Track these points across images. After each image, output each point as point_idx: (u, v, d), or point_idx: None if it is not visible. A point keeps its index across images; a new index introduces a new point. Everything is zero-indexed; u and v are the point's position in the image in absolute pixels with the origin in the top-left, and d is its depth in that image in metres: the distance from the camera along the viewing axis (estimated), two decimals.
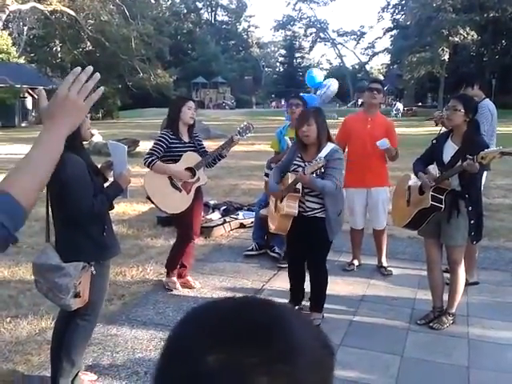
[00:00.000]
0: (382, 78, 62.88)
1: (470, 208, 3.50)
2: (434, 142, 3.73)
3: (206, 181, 4.33)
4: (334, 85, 7.53)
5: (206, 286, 4.54)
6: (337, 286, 4.48)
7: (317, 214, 3.60)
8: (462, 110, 3.44)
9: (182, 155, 4.15)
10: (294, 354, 0.56)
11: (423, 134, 4.49)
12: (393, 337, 3.58)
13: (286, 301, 3.98)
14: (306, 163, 3.57)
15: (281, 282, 4.53)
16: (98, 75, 1.22)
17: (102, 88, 1.27)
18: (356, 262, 4.98)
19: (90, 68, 1.21)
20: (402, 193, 3.89)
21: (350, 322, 3.82)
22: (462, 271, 3.68)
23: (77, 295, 2.60)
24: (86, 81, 1.17)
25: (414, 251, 5.46)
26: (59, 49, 37.21)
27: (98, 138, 18.30)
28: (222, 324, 0.58)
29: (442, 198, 3.47)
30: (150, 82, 37.87)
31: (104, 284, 2.89)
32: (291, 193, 3.54)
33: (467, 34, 36.90)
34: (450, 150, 3.54)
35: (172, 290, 4.35)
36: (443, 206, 3.47)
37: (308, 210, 3.61)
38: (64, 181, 2.54)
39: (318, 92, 7.50)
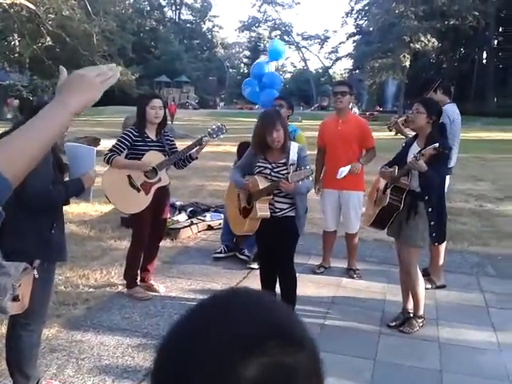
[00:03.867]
0: None
1: (430, 209, 3.52)
2: (403, 145, 3.79)
3: (169, 182, 4.16)
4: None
5: (173, 289, 4.41)
6: (307, 288, 4.44)
7: (287, 214, 3.55)
8: (424, 112, 3.50)
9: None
10: (315, 350, 0.59)
11: (384, 139, 4.55)
12: (365, 340, 3.56)
13: None
14: (273, 164, 3.52)
15: (251, 285, 4.44)
16: (119, 69, 1.19)
17: (119, 68, 1.21)
18: (326, 265, 4.96)
19: (118, 69, 1.19)
20: (372, 194, 3.96)
21: (322, 325, 3.78)
22: (417, 272, 3.67)
23: (15, 298, 2.42)
24: None
25: (381, 254, 5.48)
26: (18, 43, 36.03)
27: None
28: (246, 326, 0.55)
29: (402, 197, 3.52)
30: None
31: (47, 290, 2.72)
32: (263, 197, 3.47)
33: (428, 41, 37.84)
34: (413, 151, 3.58)
35: (143, 299, 4.13)
36: (401, 205, 3.51)
37: (277, 210, 3.55)
38: None
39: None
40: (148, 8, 66.22)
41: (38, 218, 2.57)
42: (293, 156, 3.44)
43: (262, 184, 3.46)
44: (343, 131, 4.59)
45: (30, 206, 2.52)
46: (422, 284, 3.71)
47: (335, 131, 4.63)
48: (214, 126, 4.19)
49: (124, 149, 4.06)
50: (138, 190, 4.00)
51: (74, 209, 6.99)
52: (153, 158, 4.01)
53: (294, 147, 3.50)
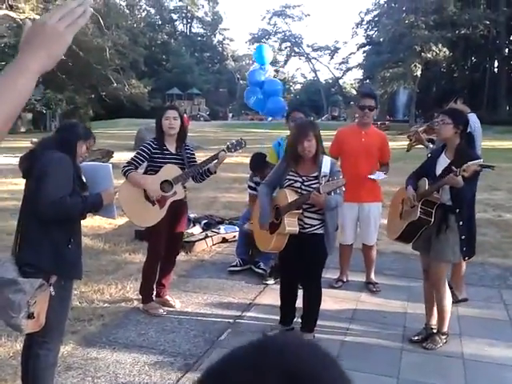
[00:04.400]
0: (354, 92, 63.96)
1: (461, 223, 3.42)
2: (430, 155, 3.68)
3: (184, 195, 4.10)
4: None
5: (189, 304, 4.34)
6: (325, 303, 4.30)
7: (316, 231, 3.47)
8: (451, 123, 3.40)
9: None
10: None
11: (396, 148, 4.50)
12: (387, 357, 3.46)
13: (275, 318, 3.84)
14: (303, 178, 3.44)
15: (268, 299, 4.37)
16: (90, 1, 0.96)
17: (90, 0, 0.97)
18: (344, 279, 4.86)
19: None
20: (396, 206, 3.82)
21: (342, 342, 3.68)
22: (446, 287, 3.58)
23: (30, 316, 2.37)
24: None
25: (400, 266, 5.38)
26: None
27: None
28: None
29: (432, 211, 3.40)
30: (123, 93, 37.57)
31: (64, 308, 2.67)
32: (292, 211, 3.39)
33: (439, 50, 37.78)
34: (442, 163, 3.48)
35: (158, 315, 4.06)
36: (432, 220, 3.40)
37: (307, 226, 3.46)
38: (44, 172, 2.50)
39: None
40: (160, 22, 66.97)
41: (54, 230, 2.54)
42: (325, 169, 3.35)
43: (292, 197, 3.38)
44: (367, 143, 4.53)
45: (45, 215, 2.49)
46: (449, 300, 3.61)
47: (359, 143, 4.55)
48: (233, 141, 4.17)
49: (142, 161, 4.04)
50: (153, 204, 3.96)
51: (88, 222, 6.95)
52: (170, 171, 3.97)
53: (326, 161, 3.42)
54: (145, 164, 4.09)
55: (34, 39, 0.90)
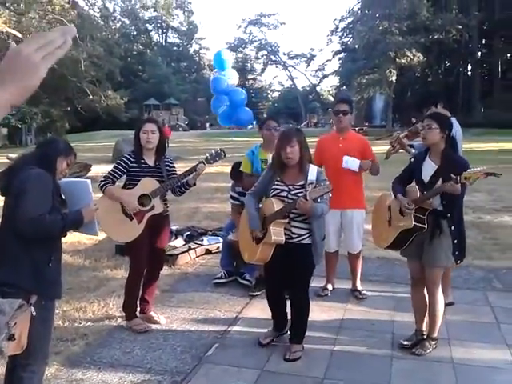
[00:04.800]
0: (331, 99, 64.50)
1: (453, 227, 3.42)
2: (412, 160, 3.66)
3: (162, 209, 3.99)
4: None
5: (174, 319, 4.25)
6: (313, 313, 4.25)
7: (303, 241, 3.42)
8: (438, 128, 3.39)
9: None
10: None
11: (375, 153, 4.51)
12: (377, 366, 3.43)
13: (263, 330, 3.78)
14: (290, 187, 3.40)
15: (254, 312, 4.31)
16: (74, 30, 0.91)
17: (74, 30, 0.91)
18: (330, 287, 4.83)
19: (73, 29, 0.91)
20: (382, 213, 3.77)
21: (331, 352, 3.63)
22: (440, 293, 3.59)
23: (11, 338, 2.29)
24: None
25: (385, 272, 5.38)
26: None
27: None
28: None
29: (424, 217, 3.38)
30: (100, 104, 37.26)
31: (46, 329, 2.60)
32: (278, 219, 3.35)
33: (413, 55, 38.38)
34: (429, 168, 3.46)
35: (143, 332, 3.96)
36: (426, 226, 3.38)
37: (294, 236, 3.41)
38: (22, 189, 2.43)
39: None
40: (135, 32, 66.73)
41: (34, 249, 2.47)
42: (311, 177, 3.32)
43: (278, 206, 3.33)
44: (345, 147, 4.51)
45: (24, 232, 2.43)
46: (442, 305, 3.60)
47: (336, 148, 4.54)
48: (212, 152, 4.09)
49: (120, 175, 3.95)
50: (131, 218, 3.86)
51: (67, 238, 6.69)
52: (147, 185, 3.87)
53: (312, 169, 3.39)
54: (123, 178, 4.01)
55: (7, 69, 0.84)
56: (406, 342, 3.66)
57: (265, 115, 78.60)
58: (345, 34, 56.22)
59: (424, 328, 3.69)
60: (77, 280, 5.30)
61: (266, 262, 3.50)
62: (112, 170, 3.96)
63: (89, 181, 2.83)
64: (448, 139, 3.43)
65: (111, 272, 5.54)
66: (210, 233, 6.76)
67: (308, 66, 71.22)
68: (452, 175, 3.13)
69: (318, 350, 3.65)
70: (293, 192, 3.36)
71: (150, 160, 3.99)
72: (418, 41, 38.07)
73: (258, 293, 4.67)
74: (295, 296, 3.61)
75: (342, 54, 57.62)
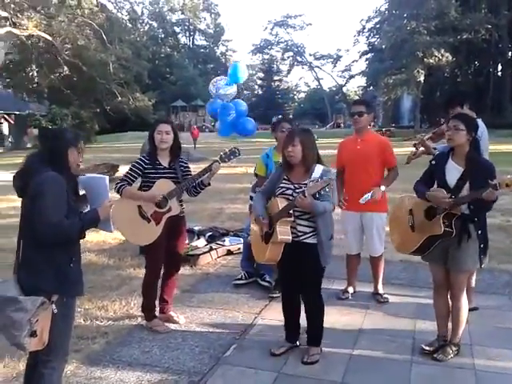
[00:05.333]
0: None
1: (480, 231, 3.35)
2: (433, 162, 3.57)
3: (180, 211, 4.00)
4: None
5: (194, 319, 4.27)
6: (332, 316, 4.25)
7: (308, 240, 3.41)
8: (464, 130, 3.31)
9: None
10: None
11: (401, 154, 4.43)
12: (397, 370, 3.37)
13: (281, 333, 3.76)
14: (295, 185, 3.39)
15: (273, 314, 4.30)
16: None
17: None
18: (351, 290, 4.78)
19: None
20: (402, 217, 3.68)
21: (350, 356, 3.59)
22: (465, 299, 3.52)
23: (33, 334, 2.34)
24: None
25: (408, 276, 5.29)
26: (36, 73, 36.86)
27: None
28: None
29: (452, 222, 3.30)
30: (128, 106, 37.78)
31: (67, 326, 2.62)
32: (283, 218, 3.35)
33: (442, 55, 37.78)
34: (453, 170, 3.37)
35: (162, 333, 3.99)
36: (454, 231, 3.30)
37: (300, 234, 3.41)
38: (38, 193, 2.43)
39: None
40: (162, 35, 67.55)
41: (56, 253, 2.50)
42: (315, 175, 3.30)
43: (282, 205, 3.34)
44: (363, 150, 4.45)
45: (45, 240, 2.46)
46: (466, 310, 3.53)
47: (354, 151, 4.49)
48: (226, 150, 4.08)
49: (135, 177, 3.96)
50: (149, 221, 3.87)
51: (93, 237, 6.95)
52: (163, 186, 3.87)
53: (319, 168, 3.37)
54: (138, 180, 4.01)
55: None
56: (427, 348, 3.59)
57: (291, 116, 78.74)
58: (372, 35, 55.77)
59: (446, 333, 3.62)
60: (100, 279, 5.39)
61: (276, 261, 3.49)
62: (127, 173, 3.97)
63: (107, 177, 2.80)
64: (472, 141, 3.35)
65: (134, 271, 5.61)
66: (232, 233, 6.77)
67: (334, 66, 71.10)
68: (490, 181, 2.99)
69: (336, 354, 3.62)
70: (298, 190, 3.35)
71: (164, 161, 3.99)
72: (447, 41, 37.45)
73: (278, 294, 4.64)
74: (307, 298, 3.58)
75: (369, 55, 57.17)
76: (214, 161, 3.97)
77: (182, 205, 4.10)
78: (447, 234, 3.30)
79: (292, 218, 3.36)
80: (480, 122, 4.36)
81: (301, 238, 3.41)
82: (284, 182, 3.47)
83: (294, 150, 3.35)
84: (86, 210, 2.69)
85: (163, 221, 3.88)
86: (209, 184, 4.05)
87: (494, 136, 29.92)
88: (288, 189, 3.42)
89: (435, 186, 3.40)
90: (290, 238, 3.36)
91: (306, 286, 3.54)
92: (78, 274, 2.64)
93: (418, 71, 38.26)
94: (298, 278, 3.49)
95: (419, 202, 3.50)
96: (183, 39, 73.93)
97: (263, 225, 3.43)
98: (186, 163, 4.14)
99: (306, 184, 3.33)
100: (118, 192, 3.90)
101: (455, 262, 3.39)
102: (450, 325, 3.61)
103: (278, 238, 3.33)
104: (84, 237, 2.63)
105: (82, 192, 2.76)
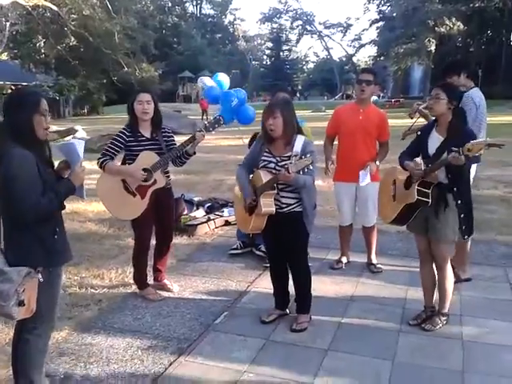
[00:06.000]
0: None
1: (459, 201, 3.31)
2: (419, 133, 3.54)
3: (165, 183, 3.92)
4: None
5: (187, 287, 4.33)
6: (324, 285, 4.30)
7: (294, 209, 3.42)
8: (445, 98, 3.27)
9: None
10: None
11: (393, 127, 4.38)
12: (383, 340, 3.40)
13: (272, 302, 3.80)
14: (277, 158, 3.38)
15: (266, 283, 4.31)
16: None
17: None
18: (344, 260, 4.80)
19: None
20: (387, 187, 3.69)
21: (339, 324, 3.63)
22: (449, 268, 3.51)
23: (20, 303, 2.36)
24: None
25: (404, 246, 5.29)
26: (43, 44, 36.65)
27: (81, 133, 18.03)
28: None
29: (429, 191, 3.28)
30: (134, 77, 37.45)
31: (53, 293, 2.64)
32: (267, 191, 3.35)
33: (453, 24, 36.91)
34: (435, 141, 3.35)
35: (155, 301, 4.05)
36: (430, 201, 3.29)
37: (284, 206, 3.41)
38: (9, 177, 2.36)
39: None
40: (169, 4, 66.46)
41: (38, 228, 2.48)
42: (297, 148, 3.30)
43: (266, 178, 3.34)
44: (365, 122, 4.39)
45: (26, 221, 2.43)
46: (452, 280, 3.53)
47: (356, 121, 4.41)
48: (211, 118, 4.03)
49: (117, 151, 3.88)
50: (134, 195, 3.83)
51: (94, 207, 7.02)
52: (147, 158, 3.80)
53: (300, 140, 3.36)
54: (122, 153, 3.94)
55: None
56: (414, 322, 3.61)
57: (300, 87, 77.79)
58: (382, 2, 54.47)
59: (433, 304, 3.63)
60: (99, 248, 5.46)
61: (260, 230, 3.51)
62: (108, 146, 3.88)
63: (76, 141, 2.68)
64: (456, 111, 3.30)
65: (132, 241, 5.57)
66: (231, 204, 6.78)
67: (344, 35, 69.91)
68: (454, 148, 3.01)
69: (325, 322, 3.65)
70: (280, 164, 3.34)
71: (146, 132, 3.91)
72: (459, 9, 36.55)
73: None
74: (294, 265, 3.61)
75: (380, 23, 55.96)
76: (198, 130, 3.91)
77: (168, 176, 4.06)
78: (422, 202, 3.29)
79: (275, 191, 3.36)
80: (477, 90, 4.29)
81: (285, 209, 3.42)
82: (266, 155, 3.44)
83: (275, 123, 3.31)
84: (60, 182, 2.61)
85: (148, 194, 3.83)
86: (194, 153, 4.00)
87: (507, 107, 29.52)
88: (270, 162, 3.40)
89: (420, 157, 3.36)
90: (274, 209, 3.38)
91: (292, 254, 3.55)
92: (63, 243, 2.64)
93: (429, 40, 37.49)
94: (284, 247, 3.51)
95: (402, 173, 3.49)
96: (190, 8, 72.78)
97: (249, 203, 3.43)
98: (169, 133, 4.06)
99: (288, 157, 3.32)
100: (100, 167, 3.84)
101: (434, 231, 3.38)
102: (436, 295, 3.63)
103: (261, 211, 3.35)
104: (64, 207, 2.60)
105: (62, 158, 2.73)
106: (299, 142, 3.34)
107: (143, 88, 4.43)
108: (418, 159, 3.30)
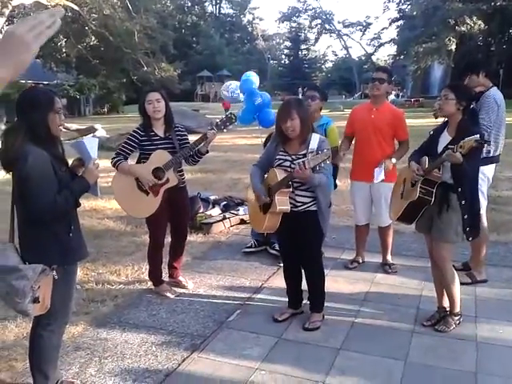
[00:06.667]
0: None
1: (463, 202, 3.29)
2: (432, 133, 3.54)
3: (178, 181, 3.92)
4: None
5: (202, 285, 4.37)
6: (338, 284, 4.30)
7: (309, 208, 3.43)
8: (454, 99, 3.26)
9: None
10: None
11: (430, 125, 4.28)
12: (396, 340, 3.40)
13: (285, 300, 3.82)
14: (293, 156, 3.39)
15: (280, 281, 4.32)
16: (62, 11, 1.06)
17: (62, 11, 1.08)
18: (359, 260, 4.79)
19: (61, 10, 1.06)
20: (398, 186, 3.73)
21: (352, 323, 3.63)
22: (451, 268, 3.48)
23: (35, 300, 2.40)
24: None
25: (419, 247, 5.24)
26: (64, 44, 37.03)
27: (101, 132, 18.24)
28: None
29: (432, 190, 3.29)
30: (154, 76, 37.69)
31: (68, 291, 2.68)
32: (282, 189, 3.36)
33: (474, 23, 36.35)
34: (444, 140, 3.35)
35: (170, 297, 4.11)
36: (432, 199, 3.28)
37: (299, 204, 3.42)
38: (24, 176, 2.38)
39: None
40: (189, 4, 66.69)
41: (52, 226, 2.52)
42: (312, 146, 3.31)
43: (281, 176, 3.35)
44: (376, 120, 4.38)
45: (42, 220, 2.47)
46: (456, 280, 3.50)
47: (368, 119, 4.41)
48: (223, 117, 4.06)
49: (131, 150, 3.92)
50: (147, 193, 3.87)
51: (112, 205, 7.09)
52: (160, 157, 3.83)
53: (315, 138, 3.37)
54: (136, 153, 3.98)
55: (3, 48, 0.95)
56: (427, 323, 3.59)
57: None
58: (402, 1, 53.90)
59: (446, 304, 3.61)
60: (116, 244, 5.54)
61: (274, 229, 3.52)
62: (122, 146, 3.93)
63: (86, 140, 2.73)
64: (467, 111, 3.29)
65: (148, 238, 5.70)
66: (247, 203, 6.80)
67: (363, 34, 69.12)
68: (450, 146, 3.06)
69: (338, 321, 3.66)
70: (296, 162, 3.34)
71: (159, 131, 3.93)
72: (480, 8, 35.94)
73: None
74: (307, 264, 3.62)
75: (400, 22, 55.36)
76: (210, 128, 3.92)
77: (182, 175, 4.08)
78: (425, 201, 3.30)
79: (290, 189, 3.37)
80: (495, 90, 4.24)
81: (299, 208, 3.43)
82: (281, 153, 3.45)
83: (293, 125, 3.31)
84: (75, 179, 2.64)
85: (161, 192, 3.85)
86: (207, 152, 4.02)
87: None
88: (285, 160, 3.42)
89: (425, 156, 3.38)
90: (289, 207, 3.38)
91: (306, 254, 3.56)
92: (78, 241, 2.66)
93: (449, 39, 36.96)
94: (298, 246, 3.52)
95: (411, 171, 3.50)
96: (209, 7, 72.89)
97: (263, 200, 3.44)
98: (183, 131, 4.08)
99: (303, 155, 3.33)
100: (114, 166, 3.89)
101: (436, 231, 3.38)
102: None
103: (277, 209, 3.35)
104: (79, 205, 2.64)
105: (76, 157, 2.77)
106: (315, 140, 3.35)
107: (151, 87, 4.44)
108: (424, 158, 3.32)
